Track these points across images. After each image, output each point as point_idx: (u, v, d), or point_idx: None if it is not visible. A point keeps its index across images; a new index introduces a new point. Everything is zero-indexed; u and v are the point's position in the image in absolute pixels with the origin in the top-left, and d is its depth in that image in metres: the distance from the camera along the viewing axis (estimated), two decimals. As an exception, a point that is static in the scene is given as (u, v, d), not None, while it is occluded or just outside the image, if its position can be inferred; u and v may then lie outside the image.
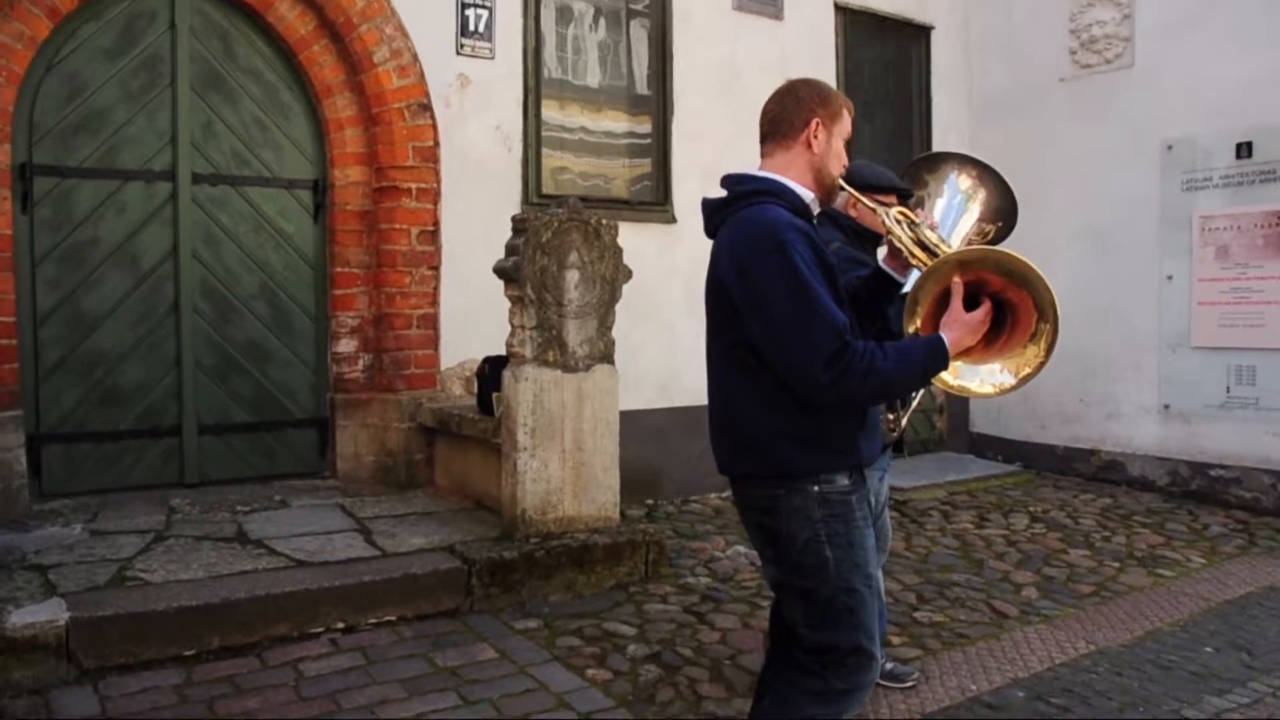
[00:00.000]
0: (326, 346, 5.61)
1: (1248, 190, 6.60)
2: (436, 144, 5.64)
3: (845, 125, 2.61)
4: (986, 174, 3.73)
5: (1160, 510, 6.59)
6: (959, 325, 2.39)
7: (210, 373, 5.33)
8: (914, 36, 7.80)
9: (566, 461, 4.78)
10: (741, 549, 5.54)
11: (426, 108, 5.60)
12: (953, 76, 7.96)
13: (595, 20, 6.33)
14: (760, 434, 2.45)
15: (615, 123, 6.44)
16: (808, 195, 2.54)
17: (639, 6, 6.49)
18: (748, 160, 5.77)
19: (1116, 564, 5.43)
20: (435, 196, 5.63)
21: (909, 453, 7.76)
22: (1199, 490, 6.84)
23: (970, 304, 2.42)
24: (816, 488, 2.44)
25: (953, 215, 3.70)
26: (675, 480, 6.56)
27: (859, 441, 2.49)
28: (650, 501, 6.46)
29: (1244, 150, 6.58)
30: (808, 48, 7.11)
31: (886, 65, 7.73)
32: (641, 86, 6.52)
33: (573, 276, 4.79)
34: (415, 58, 5.54)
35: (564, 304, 4.78)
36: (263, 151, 5.43)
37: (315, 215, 5.59)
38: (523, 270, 4.71)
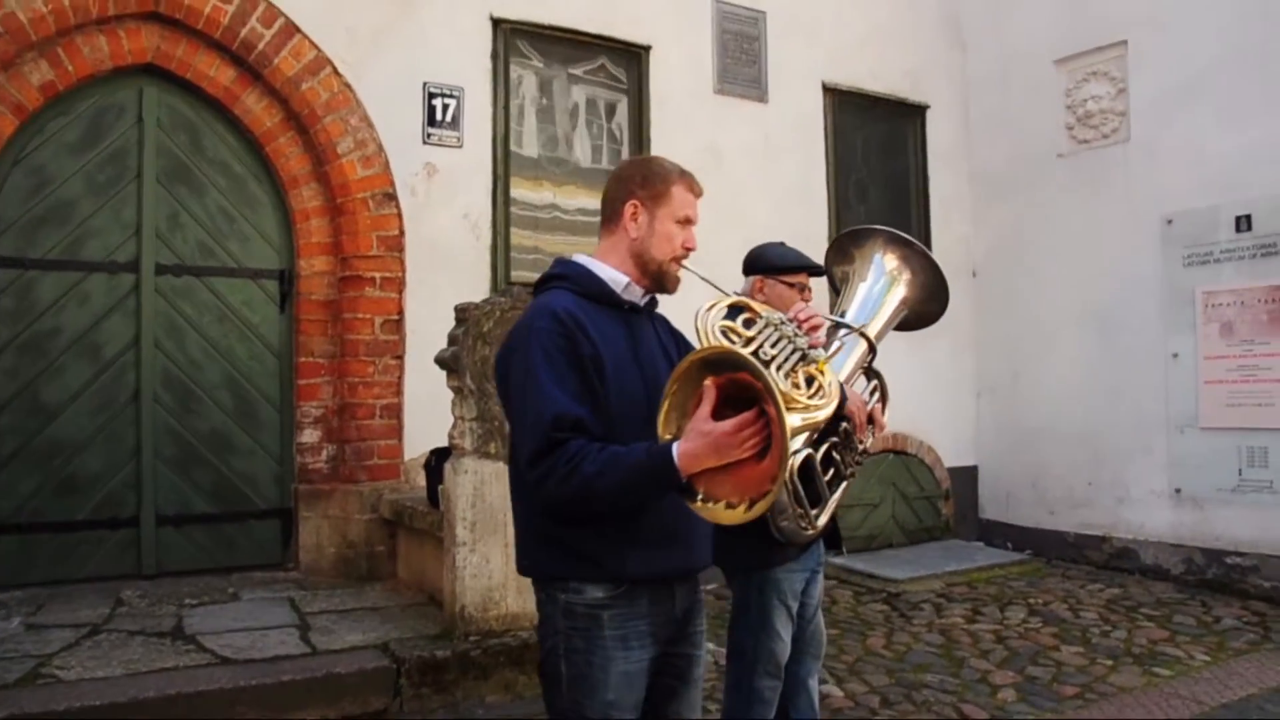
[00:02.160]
0: (291, 436, 5.58)
1: (1249, 264, 6.34)
2: (401, 233, 5.65)
3: (676, 204, 2.41)
4: (913, 253, 3.58)
5: (1171, 601, 6.22)
6: (697, 436, 2.04)
7: (170, 463, 5.32)
8: (909, 115, 7.72)
9: (509, 557, 4.64)
10: (710, 645, 5.32)
11: (392, 197, 5.63)
12: (951, 154, 7.84)
13: (571, 99, 6.36)
14: (519, 531, 2.34)
15: (591, 200, 6.41)
16: (619, 279, 2.38)
17: (618, 86, 6.50)
18: (729, 248, 5.76)
19: (1110, 662, 5.10)
20: (400, 285, 5.63)
21: (912, 540, 7.47)
22: (1215, 579, 6.46)
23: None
24: (564, 596, 2.27)
25: (875, 296, 3.55)
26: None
27: (624, 552, 2.23)
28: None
29: (1243, 223, 6.34)
30: (794, 129, 7.06)
31: (880, 144, 7.64)
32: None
33: (517, 365, 4.71)
34: (380, 148, 5.60)
35: (507, 394, 4.69)
36: (229, 242, 5.49)
37: (281, 305, 5.61)
38: (462, 360, 4.65)
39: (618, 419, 2.20)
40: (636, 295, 2.40)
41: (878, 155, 7.63)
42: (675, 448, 2.07)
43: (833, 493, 3.32)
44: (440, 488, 4.79)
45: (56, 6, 4.82)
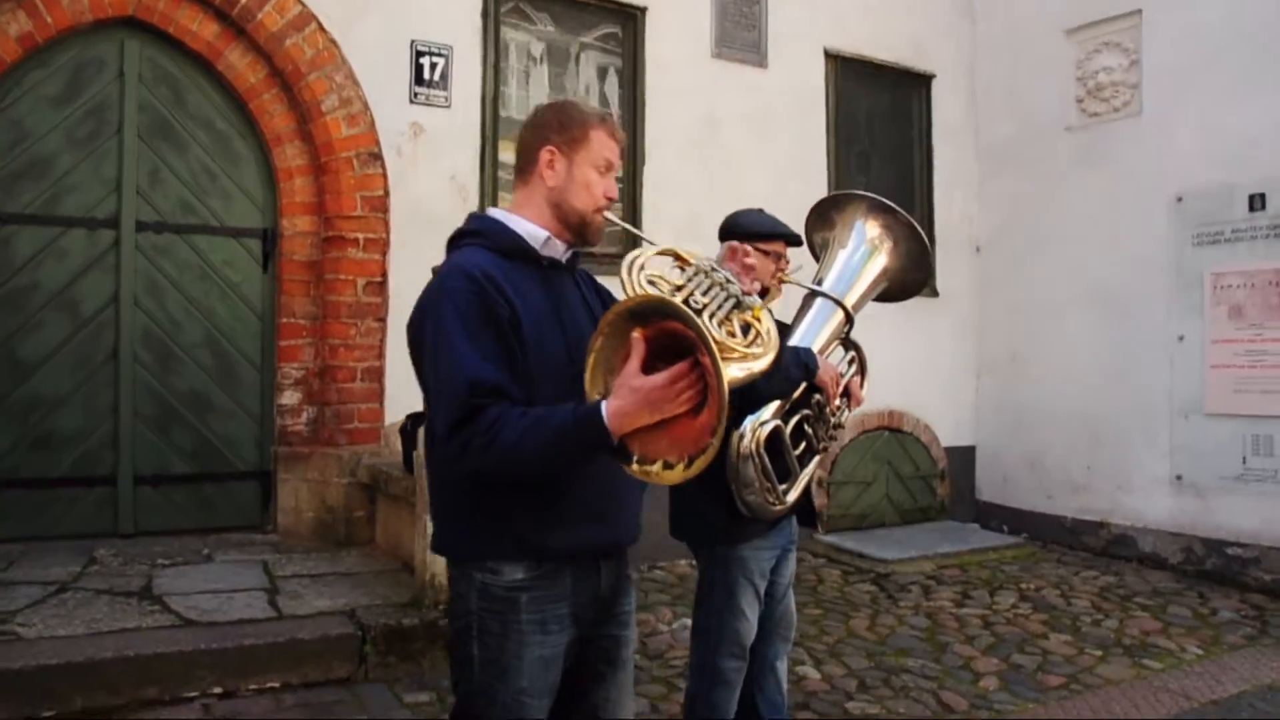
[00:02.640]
0: (272, 398, 5.52)
1: (1261, 245, 6.15)
2: (386, 194, 5.56)
3: (598, 150, 2.23)
4: (896, 221, 3.46)
5: (1167, 591, 6.09)
6: (628, 393, 1.90)
7: (149, 422, 5.27)
8: (914, 85, 7.53)
9: (483, 524, 4.57)
10: (689, 623, 5.25)
11: (377, 157, 5.53)
12: (957, 126, 7.65)
13: (565, 62, 6.22)
14: (435, 507, 2.21)
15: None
16: (537, 234, 2.22)
17: (611, 47, 6.36)
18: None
19: (1099, 652, 4.97)
20: (384, 247, 5.54)
21: (905, 520, 7.36)
22: (1214, 570, 6.32)
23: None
24: (480, 576, 2.12)
25: (854, 264, 3.43)
26: (646, 545, 6.27)
27: (546, 526, 2.10)
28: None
29: (1257, 202, 6.15)
30: (795, 96, 6.89)
31: (884, 114, 7.47)
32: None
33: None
34: (366, 106, 5.49)
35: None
36: (211, 200, 5.41)
37: (264, 265, 5.53)
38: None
39: (539, 382, 2.07)
40: (558, 250, 2.24)
41: (881, 126, 7.45)
42: (604, 406, 1.92)
43: (804, 467, 3.23)
44: (414, 453, 4.72)
45: (34, -44, 4.74)
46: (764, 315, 2.13)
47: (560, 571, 2.16)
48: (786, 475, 3.16)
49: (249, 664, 3.92)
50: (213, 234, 5.41)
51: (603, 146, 2.24)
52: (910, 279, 3.51)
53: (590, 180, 2.23)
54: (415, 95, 5.63)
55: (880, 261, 3.46)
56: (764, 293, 3.34)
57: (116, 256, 5.17)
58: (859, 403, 3.38)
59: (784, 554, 3.41)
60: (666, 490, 2.35)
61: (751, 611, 3.27)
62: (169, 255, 5.31)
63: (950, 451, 7.58)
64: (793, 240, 3.42)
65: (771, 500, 3.13)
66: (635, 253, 2.08)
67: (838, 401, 3.21)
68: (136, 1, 5.08)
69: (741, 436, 3.08)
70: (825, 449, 3.26)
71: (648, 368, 1.92)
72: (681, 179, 6.42)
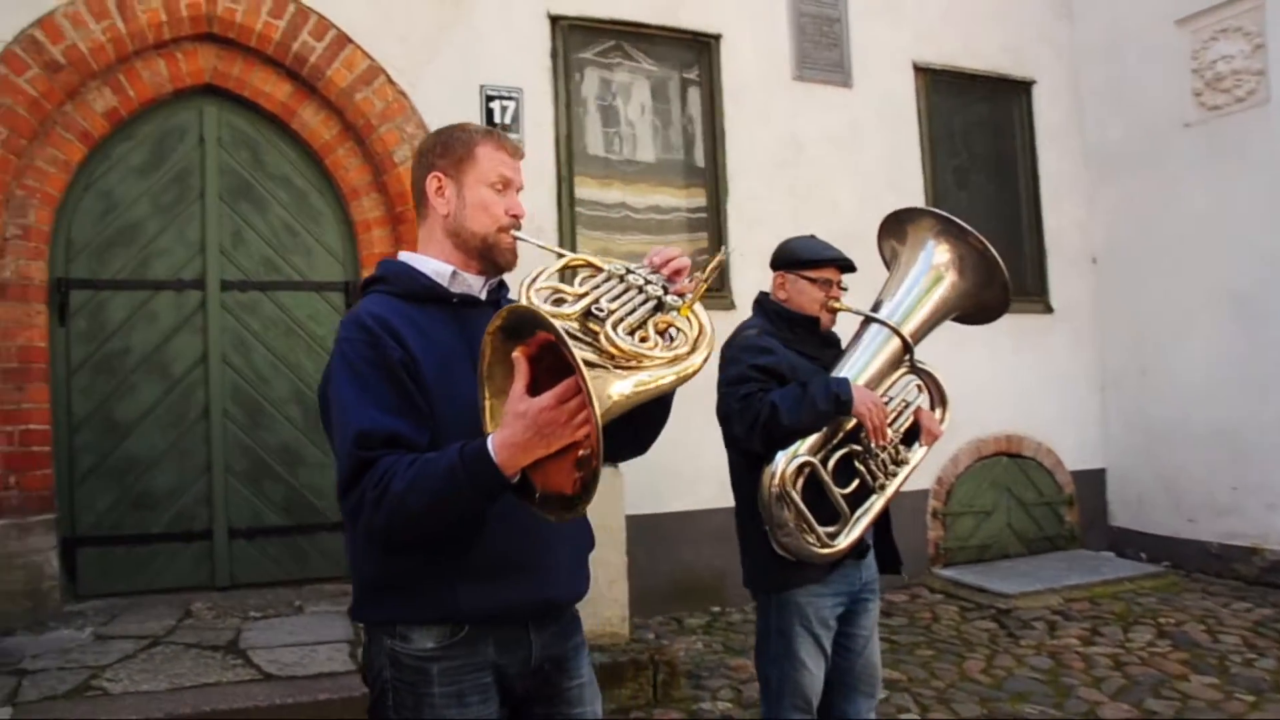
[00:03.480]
0: (361, 448, 5.53)
1: None
2: (464, 239, 5.54)
3: (487, 166, 2.07)
4: (966, 241, 3.19)
5: (1336, 624, 5.48)
6: (513, 419, 1.70)
7: (241, 477, 5.36)
8: (1012, 92, 7.15)
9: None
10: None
11: (452, 203, 5.52)
12: (1063, 132, 7.23)
13: (638, 94, 6.14)
14: (351, 568, 2.04)
15: (667, 198, 6.19)
16: (443, 270, 2.06)
17: (690, 76, 6.25)
18: None
19: (1251, 698, 4.45)
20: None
21: (1031, 550, 6.88)
22: (1386, 598, 5.67)
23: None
24: (389, 642, 1.96)
25: (917, 288, 3.18)
26: (740, 585, 6.04)
27: (454, 585, 1.92)
28: (716, 609, 5.99)
29: (1404, 189, 5.56)
30: (883, 113, 6.63)
31: (981, 125, 7.11)
32: (693, 161, 6.25)
33: (566, 370, 4.52)
34: (439, 155, 5.50)
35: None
36: (293, 256, 5.50)
37: (349, 316, 5.59)
38: (504, 366, 4.49)
39: (450, 428, 1.88)
40: (471, 285, 2.08)
41: (979, 137, 7.10)
42: (491, 440, 1.73)
43: (857, 507, 2.99)
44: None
45: (114, 35, 4.93)
46: (694, 314, 1.91)
47: (479, 638, 1.97)
48: (835, 517, 2.93)
49: (323, 718, 3.88)
50: (296, 289, 5.50)
51: (493, 162, 2.08)
52: (987, 301, 3.24)
53: (485, 200, 2.06)
54: (487, 140, 5.62)
55: (946, 284, 3.21)
56: (813, 321, 3.14)
57: (204, 316, 5.30)
58: (933, 437, 3.11)
59: (857, 603, 3.13)
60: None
61: (814, 662, 3.03)
62: (254, 312, 5.41)
63: (1077, 475, 7.08)
64: (844, 265, 3.21)
65: (812, 543, 2.90)
66: (540, 268, 1.92)
67: (890, 434, 2.96)
68: (212, 69, 5.24)
69: (772, 475, 2.88)
70: (882, 487, 3.00)
71: (544, 388, 1.70)
72: (766, 205, 6.23)
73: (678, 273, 1.97)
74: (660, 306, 1.90)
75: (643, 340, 1.81)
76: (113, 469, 5.13)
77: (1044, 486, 6.96)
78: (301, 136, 5.46)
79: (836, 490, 2.91)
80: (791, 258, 3.22)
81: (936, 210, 3.26)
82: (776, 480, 2.88)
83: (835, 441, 2.95)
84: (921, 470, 6.28)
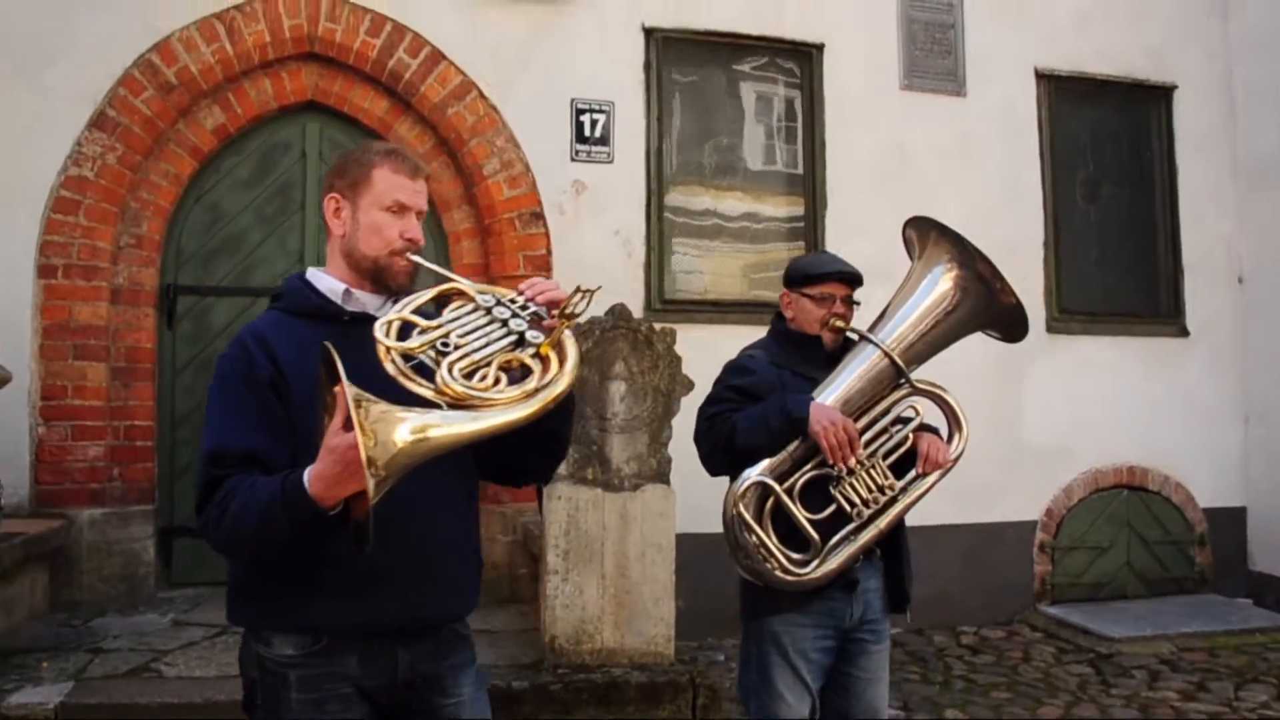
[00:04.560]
0: (447, 453, 5.69)
1: None
2: (549, 252, 5.62)
3: (382, 190, 2.09)
4: (975, 279, 2.98)
5: None
6: (325, 454, 1.75)
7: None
8: (1149, 99, 6.63)
9: (606, 589, 4.44)
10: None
11: (539, 216, 5.61)
12: (1207, 140, 6.65)
13: (734, 105, 6.04)
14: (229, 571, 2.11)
15: (763, 207, 6.08)
16: (336, 287, 2.11)
17: (789, 86, 6.10)
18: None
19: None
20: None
21: (1153, 592, 6.37)
22: None
23: None
24: (255, 645, 2.03)
25: (912, 303, 2.99)
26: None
27: (311, 600, 1.95)
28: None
29: None
30: (1000, 123, 6.29)
31: (1112, 135, 6.62)
32: (791, 171, 6.10)
33: (618, 388, 4.52)
34: (527, 168, 5.59)
35: (606, 418, 4.51)
36: (387, 266, 5.70)
37: (439, 326, 5.75)
38: (559, 382, 4.52)
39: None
40: (366, 304, 2.10)
41: (1109, 147, 6.61)
42: (307, 472, 1.78)
43: (831, 535, 2.82)
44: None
45: (223, 56, 5.23)
46: (555, 351, 1.94)
47: (341, 650, 2.00)
48: (807, 545, 2.79)
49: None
50: (390, 298, 5.69)
51: (388, 185, 2.10)
52: (1000, 318, 3.03)
53: (379, 223, 2.09)
54: (576, 153, 5.68)
55: (949, 300, 2.99)
56: (815, 340, 3.01)
57: (301, 323, 5.56)
58: (934, 464, 2.89)
59: (853, 641, 2.97)
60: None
61: (794, 695, 2.90)
62: (349, 320, 5.64)
63: (1211, 513, 6.51)
64: (849, 279, 3.05)
65: (773, 569, 2.78)
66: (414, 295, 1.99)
67: (859, 458, 2.79)
68: (314, 87, 5.49)
69: (727, 496, 2.79)
70: (862, 516, 2.82)
71: None
72: (869, 218, 6.00)
73: (554, 304, 1.97)
74: (521, 342, 1.92)
75: (482, 380, 1.85)
76: (212, 464, 5.45)
77: (1171, 524, 6.43)
78: (397, 150, 5.65)
79: (800, 515, 2.77)
80: (793, 274, 3.10)
81: (939, 224, 3.04)
82: (730, 501, 2.79)
83: (809, 464, 2.81)
84: (1029, 500, 6.10)
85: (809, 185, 6.03)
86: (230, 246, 5.52)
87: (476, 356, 1.87)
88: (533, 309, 1.99)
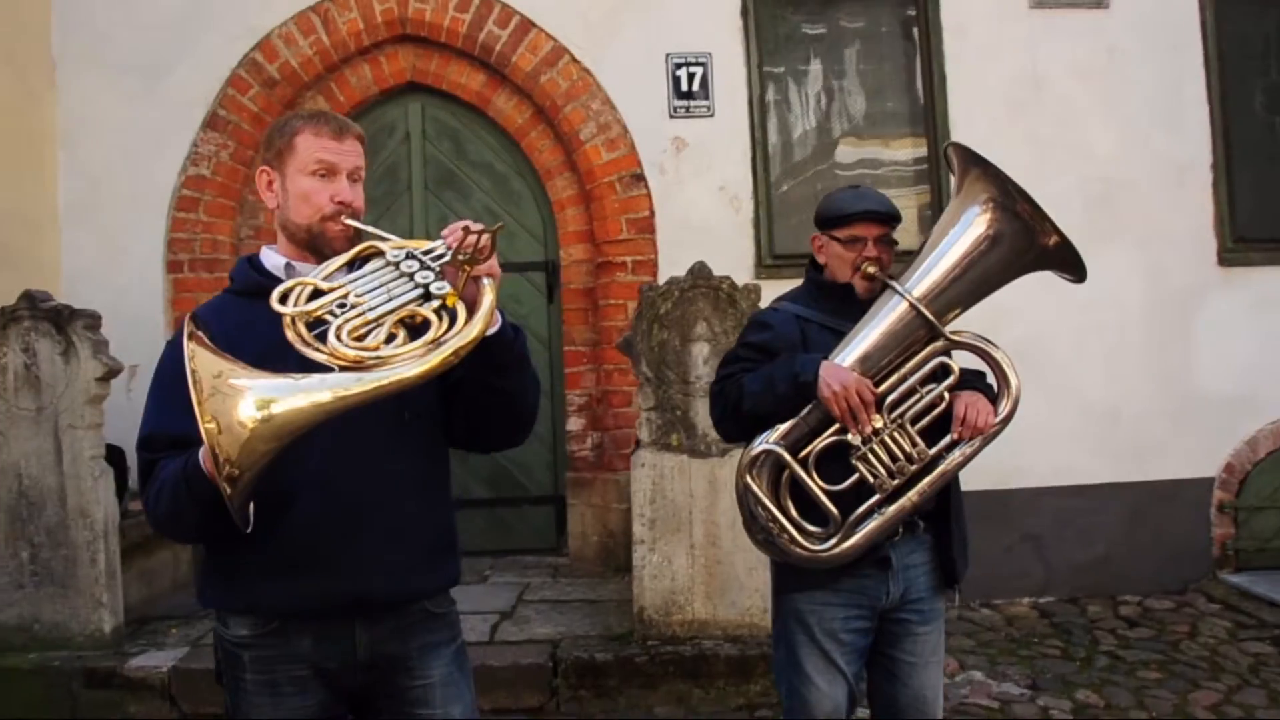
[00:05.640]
0: (562, 425, 5.67)
1: None
2: (652, 213, 5.47)
3: (306, 154, 2.02)
4: (1013, 219, 2.57)
5: None
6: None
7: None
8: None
9: (696, 558, 4.28)
10: (978, 675, 4.45)
11: (639, 178, 5.46)
12: None
13: (838, 48, 5.66)
14: None
15: (881, 151, 5.69)
16: (278, 263, 2.06)
17: (901, 17, 5.66)
18: (1061, 192, 4.98)
19: None
20: (653, 268, 5.44)
21: None
22: None
23: None
24: (217, 625, 2.06)
25: (945, 245, 2.62)
26: (971, 578, 5.40)
27: (256, 580, 1.92)
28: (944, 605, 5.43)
29: None
30: (1150, 34, 5.58)
31: (1298, 34, 5.75)
32: (910, 110, 5.67)
33: (700, 350, 4.34)
34: (625, 129, 5.46)
35: (690, 381, 4.33)
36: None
37: (549, 296, 5.73)
38: (636, 346, 4.38)
39: None
40: (310, 272, 1.97)
41: (1293, 51, 5.75)
42: (202, 450, 1.75)
43: (855, 508, 2.53)
44: (630, 481, 4.56)
45: (320, 48, 5.39)
46: (470, 301, 1.83)
47: (294, 631, 1.96)
48: (826, 519, 2.51)
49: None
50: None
51: (312, 148, 2.02)
52: (1042, 261, 2.62)
53: (307, 189, 2.02)
54: (675, 110, 5.48)
55: (979, 242, 2.58)
56: (846, 289, 2.71)
57: (413, 300, 5.67)
58: (973, 429, 2.49)
59: (894, 623, 2.67)
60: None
61: (825, 680, 2.63)
62: (460, 295, 5.69)
63: None
64: (880, 218, 2.72)
65: (789, 544, 2.51)
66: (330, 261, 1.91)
67: (879, 422, 2.48)
68: (412, 67, 5.56)
69: (737, 467, 2.54)
70: (887, 489, 2.50)
71: None
72: (1000, 151, 5.24)
73: (480, 251, 1.83)
74: (427, 295, 1.82)
75: (375, 338, 1.76)
76: (337, 441, 5.65)
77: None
78: (498, 123, 5.65)
79: (815, 486, 2.49)
80: (821, 214, 2.80)
81: (977, 156, 2.64)
82: (739, 472, 2.54)
83: (827, 430, 2.52)
84: (1205, 455, 5.45)
85: (929, 123, 5.58)
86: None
87: (372, 315, 1.78)
88: (449, 255, 1.86)
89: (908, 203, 5.66)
